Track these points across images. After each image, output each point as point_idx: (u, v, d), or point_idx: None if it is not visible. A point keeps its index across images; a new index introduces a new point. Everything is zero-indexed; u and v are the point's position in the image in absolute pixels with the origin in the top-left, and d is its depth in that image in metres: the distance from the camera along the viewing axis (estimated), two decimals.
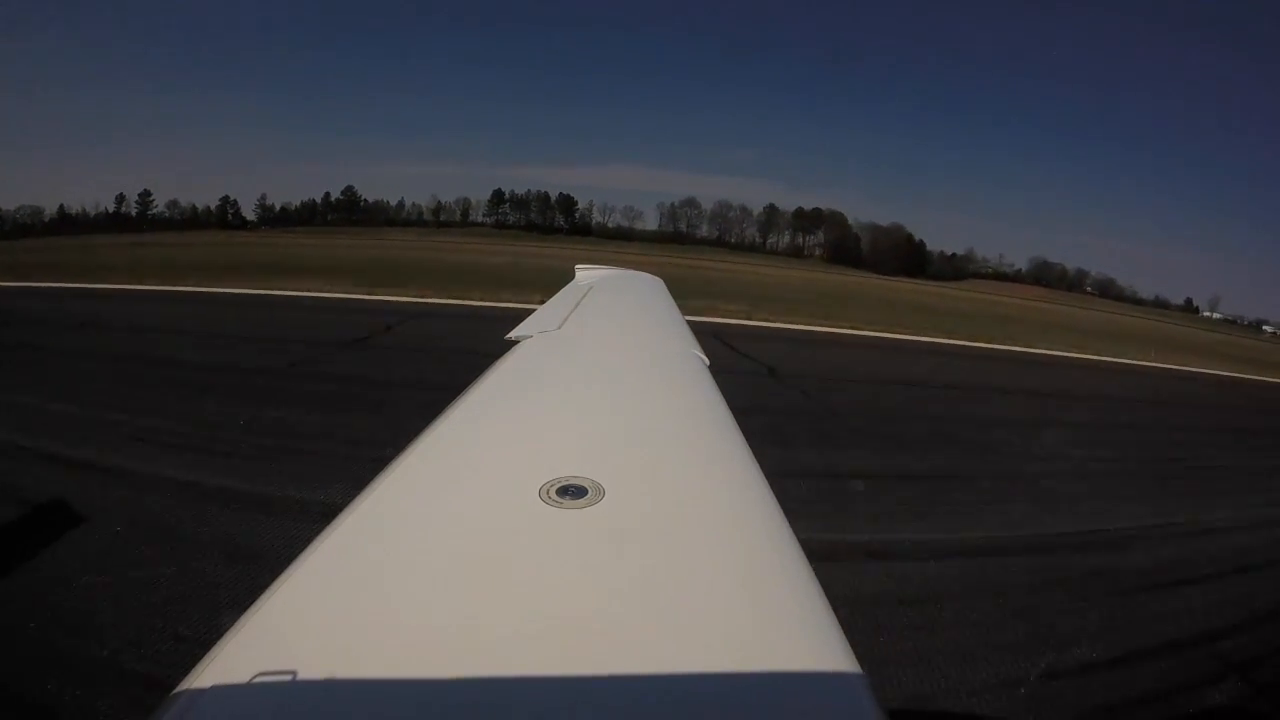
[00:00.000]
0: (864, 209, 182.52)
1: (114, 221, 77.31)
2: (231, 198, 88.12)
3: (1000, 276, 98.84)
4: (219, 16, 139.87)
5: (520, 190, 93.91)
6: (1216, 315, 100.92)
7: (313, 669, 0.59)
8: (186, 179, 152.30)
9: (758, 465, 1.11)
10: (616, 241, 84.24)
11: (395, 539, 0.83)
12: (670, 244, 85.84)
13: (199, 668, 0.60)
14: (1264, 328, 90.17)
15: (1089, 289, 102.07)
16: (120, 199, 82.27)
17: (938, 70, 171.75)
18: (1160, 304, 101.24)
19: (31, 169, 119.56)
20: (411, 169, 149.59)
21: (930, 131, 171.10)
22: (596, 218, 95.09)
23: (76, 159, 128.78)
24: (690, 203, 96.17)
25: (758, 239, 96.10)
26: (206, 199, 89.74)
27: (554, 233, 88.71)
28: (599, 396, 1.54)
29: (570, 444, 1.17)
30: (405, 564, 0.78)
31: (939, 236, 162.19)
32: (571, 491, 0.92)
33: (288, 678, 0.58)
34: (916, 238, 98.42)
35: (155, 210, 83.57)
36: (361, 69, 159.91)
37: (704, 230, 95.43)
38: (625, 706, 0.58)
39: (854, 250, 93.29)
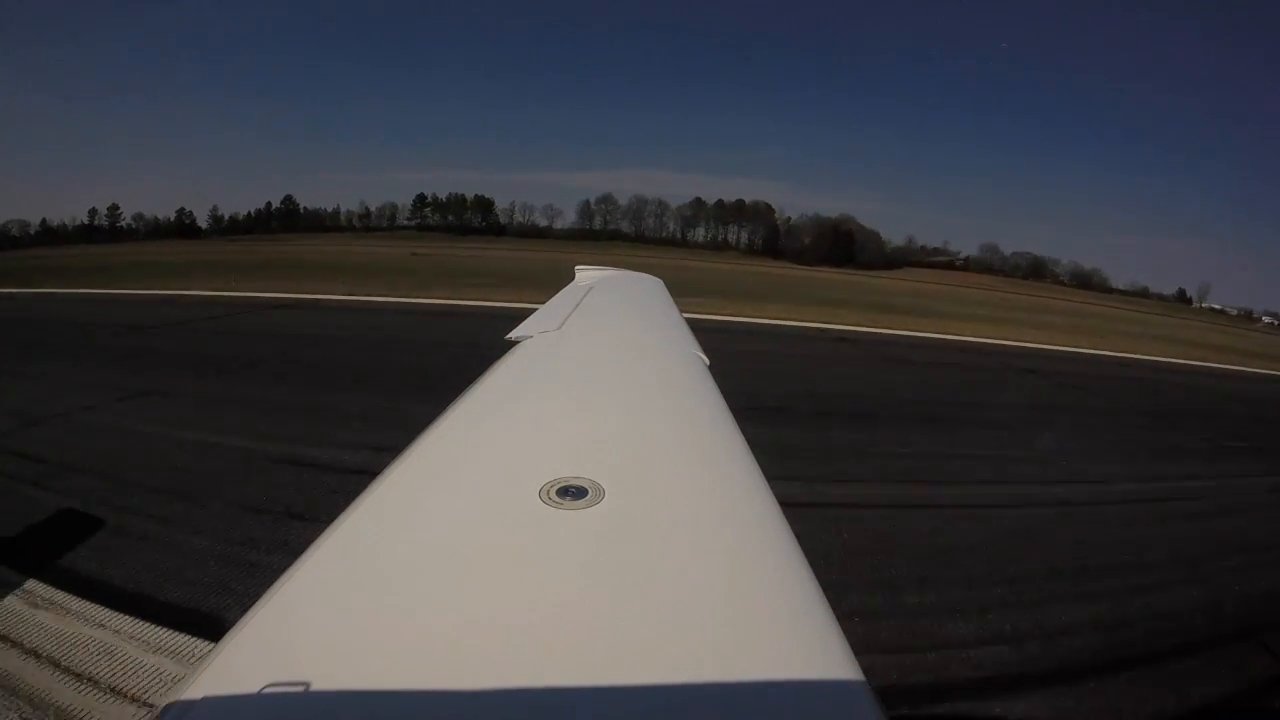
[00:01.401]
0: (836, 205, 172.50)
1: (88, 233, 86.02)
2: (187, 209, 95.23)
3: (945, 266, 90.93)
4: (160, 32, 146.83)
5: (442, 194, 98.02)
6: (1204, 305, 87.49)
7: (317, 678, 0.59)
8: (146, 191, 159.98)
9: (757, 465, 1.11)
10: (530, 240, 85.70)
11: (395, 541, 0.84)
12: (585, 240, 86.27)
13: (195, 676, 0.60)
14: (1262, 318, 76.90)
15: (1063, 279, 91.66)
16: (93, 212, 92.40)
17: (927, 64, 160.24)
18: (1140, 294, 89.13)
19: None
20: (338, 176, 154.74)
21: (910, 123, 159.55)
22: (517, 217, 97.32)
23: (38, 171, 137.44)
24: (607, 199, 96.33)
25: (678, 234, 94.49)
26: (164, 210, 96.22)
27: (471, 233, 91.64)
28: (599, 396, 1.53)
29: (570, 444, 1.17)
30: (404, 567, 0.79)
31: (923, 231, 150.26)
32: (571, 492, 0.92)
33: (300, 688, 0.58)
34: (866, 228, 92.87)
35: (123, 222, 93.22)
36: (294, 81, 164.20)
37: (624, 226, 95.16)
38: (626, 711, 0.59)
39: (776, 242, 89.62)
